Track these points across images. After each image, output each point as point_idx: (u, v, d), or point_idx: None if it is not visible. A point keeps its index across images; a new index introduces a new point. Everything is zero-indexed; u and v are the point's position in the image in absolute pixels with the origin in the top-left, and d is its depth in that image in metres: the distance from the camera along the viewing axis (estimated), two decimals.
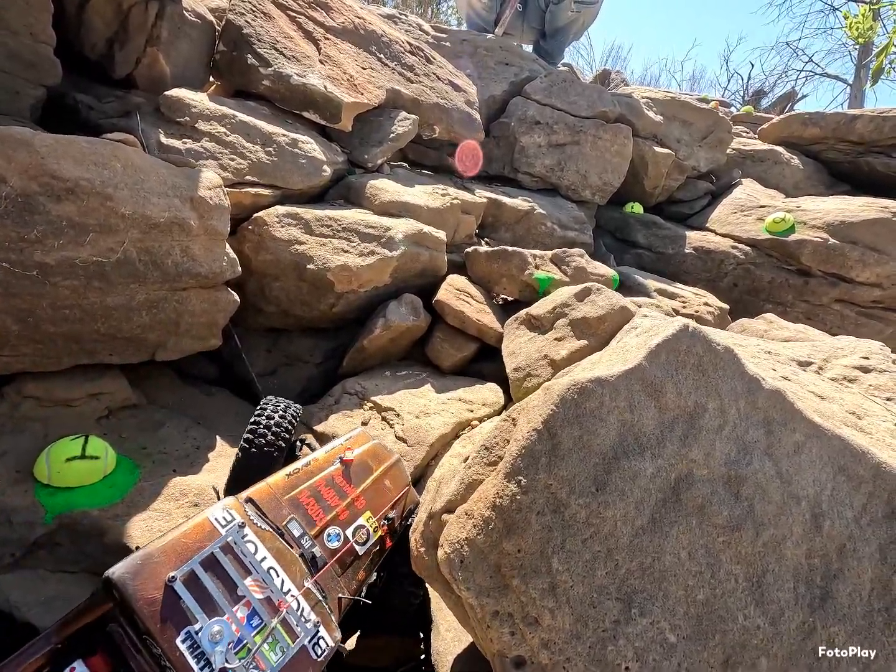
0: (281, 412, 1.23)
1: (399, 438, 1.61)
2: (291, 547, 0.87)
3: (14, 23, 1.65)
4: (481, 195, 3.16)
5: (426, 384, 1.94)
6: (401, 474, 1.24)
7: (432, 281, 2.29)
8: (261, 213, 1.84)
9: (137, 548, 0.77)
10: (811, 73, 11.44)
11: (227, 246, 1.62)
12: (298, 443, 1.33)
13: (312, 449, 1.38)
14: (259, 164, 1.91)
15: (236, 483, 1.18)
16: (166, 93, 1.91)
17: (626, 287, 2.96)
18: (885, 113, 3.74)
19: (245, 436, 1.18)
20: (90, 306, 1.30)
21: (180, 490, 1.28)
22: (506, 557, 0.78)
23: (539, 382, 1.79)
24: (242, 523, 0.82)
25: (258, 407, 1.26)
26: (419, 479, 1.57)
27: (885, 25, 3.36)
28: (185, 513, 1.24)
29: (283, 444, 1.18)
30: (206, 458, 1.46)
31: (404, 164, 3.12)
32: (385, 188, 2.25)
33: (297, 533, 0.90)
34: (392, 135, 2.53)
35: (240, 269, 1.65)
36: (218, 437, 1.56)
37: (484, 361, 2.18)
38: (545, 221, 3.13)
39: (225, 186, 1.82)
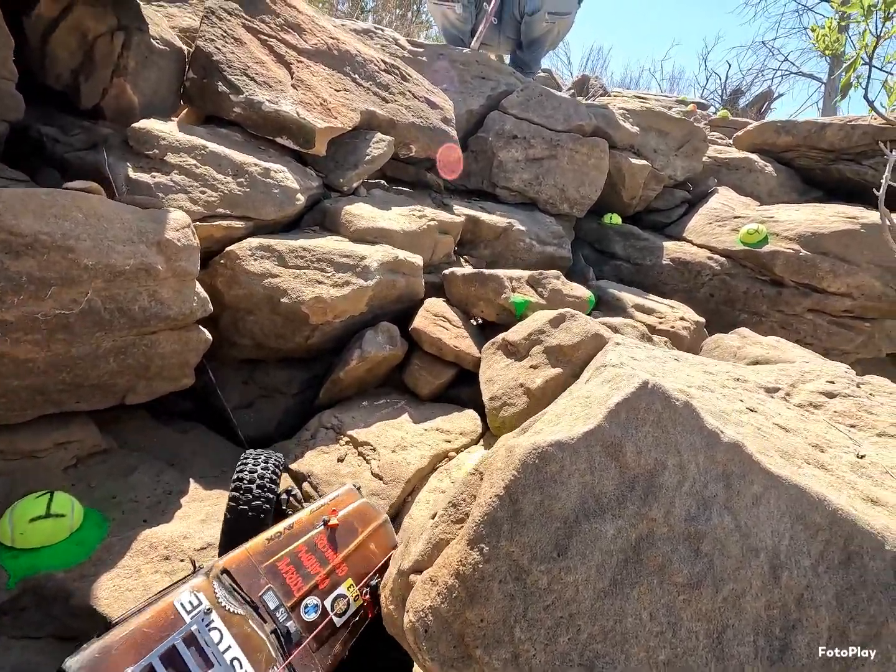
0: (262, 466, 1.22)
1: (375, 475, 1.61)
2: (265, 622, 0.85)
3: None
4: (459, 212, 3.17)
5: (404, 413, 1.94)
6: (387, 536, 1.22)
7: (409, 306, 2.29)
8: (233, 247, 1.83)
9: (99, 634, 0.76)
10: (787, 72, 11.64)
11: (198, 284, 1.60)
12: (285, 494, 1.32)
13: (298, 500, 1.38)
14: (231, 196, 1.89)
15: (228, 543, 1.18)
16: (134, 125, 1.88)
17: (603, 302, 2.99)
18: (854, 121, 3.82)
19: (230, 494, 1.17)
20: (54, 358, 1.28)
21: (149, 543, 1.27)
22: (469, 627, 0.79)
23: (515, 412, 1.80)
24: (209, 608, 0.80)
25: (238, 463, 1.25)
26: (395, 516, 1.57)
27: (850, 39, 3.42)
28: (154, 567, 1.23)
29: (269, 500, 1.18)
30: (178, 503, 1.45)
31: (382, 182, 3.12)
32: (360, 214, 2.25)
33: (272, 605, 0.89)
34: (367, 157, 2.52)
35: (211, 307, 1.64)
36: (191, 479, 1.55)
37: (462, 386, 2.19)
38: (524, 238, 3.14)
39: (196, 220, 1.81)
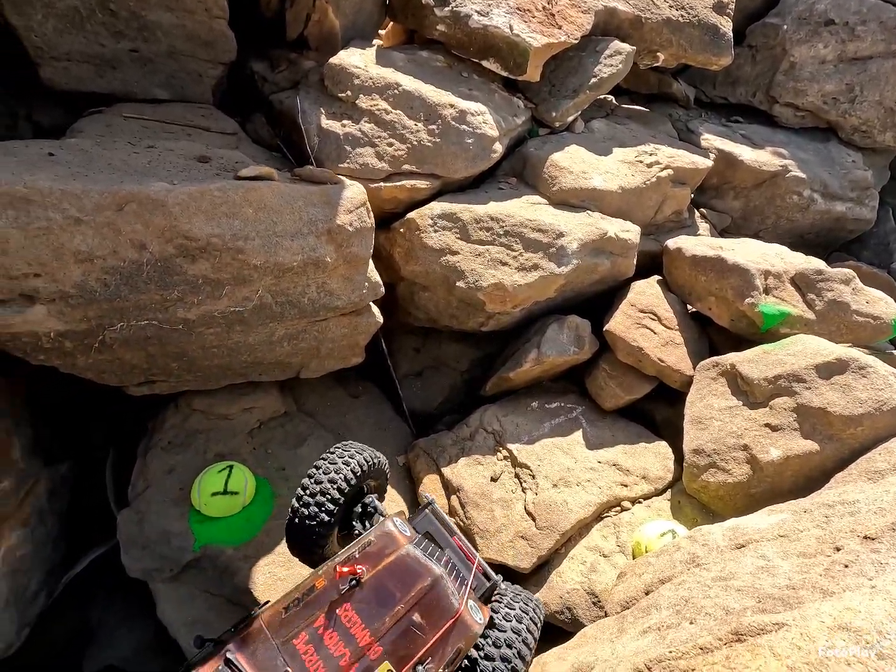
0: (332, 475, 1.08)
1: (528, 513, 1.41)
2: None
3: (188, 1, 1.57)
4: (709, 143, 2.36)
5: (577, 430, 1.64)
6: (440, 601, 0.87)
7: (612, 286, 1.85)
8: (414, 215, 1.62)
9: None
10: None
11: (371, 266, 1.47)
12: (360, 506, 1.14)
13: (377, 512, 1.14)
14: (419, 149, 1.64)
15: (288, 541, 1.12)
16: (331, 60, 1.71)
17: None
18: None
19: (292, 503, 1.10)
20: (234, 345, 1.32)
21: None
22: None
23: (726, 483, 1.35)
24: None
25: (318, 459, 1.14)
26: (542, 566, 1.39)
27: None
28: None
29: (329, 515, 1.05)
30: None
31: (609, 100, 2.46)
32: (568, 168, 1.78)
33: None
34: (594, 79, 1.95)
35: (383, 290, 1.52)
36: None
37: (658, 401, 1.76)
38: (801, 189, 2.24)
39: (380, 180, 1.63)
